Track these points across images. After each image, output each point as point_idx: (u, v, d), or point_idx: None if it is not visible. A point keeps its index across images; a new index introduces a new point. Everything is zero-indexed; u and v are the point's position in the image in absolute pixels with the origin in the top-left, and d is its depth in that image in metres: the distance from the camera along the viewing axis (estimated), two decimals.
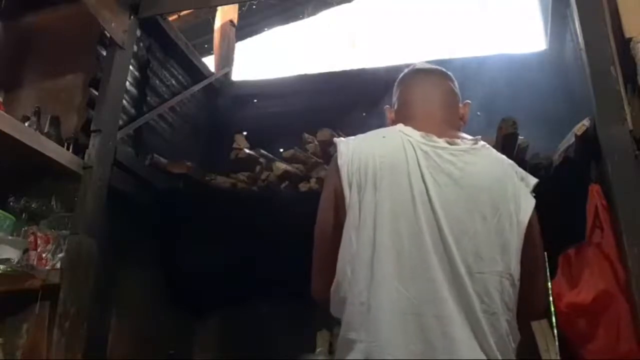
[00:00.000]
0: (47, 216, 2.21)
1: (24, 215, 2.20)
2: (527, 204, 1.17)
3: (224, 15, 4.06)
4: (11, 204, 2.21)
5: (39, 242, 2.09)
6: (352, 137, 1.27)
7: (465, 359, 1.02)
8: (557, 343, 2.39)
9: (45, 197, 2.24)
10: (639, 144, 1.70)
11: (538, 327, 2.43)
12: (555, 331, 2.40)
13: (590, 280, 1.76)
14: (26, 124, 2.14)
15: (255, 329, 2.94)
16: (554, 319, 2.40)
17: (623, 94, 1.76)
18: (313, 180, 2.39)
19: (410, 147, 1.16)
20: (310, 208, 1.32)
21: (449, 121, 1.30)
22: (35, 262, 2.04)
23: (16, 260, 2.00)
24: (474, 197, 1.12)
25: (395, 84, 1.42)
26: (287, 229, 2.29)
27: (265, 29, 4.94)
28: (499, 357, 1.05)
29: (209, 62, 3.80)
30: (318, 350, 2.75)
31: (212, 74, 3.59)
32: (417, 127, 1.21)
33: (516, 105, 2.49)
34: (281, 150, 2.64)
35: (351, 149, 1.20)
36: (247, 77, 3.98)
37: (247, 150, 2.55)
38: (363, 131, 1.30)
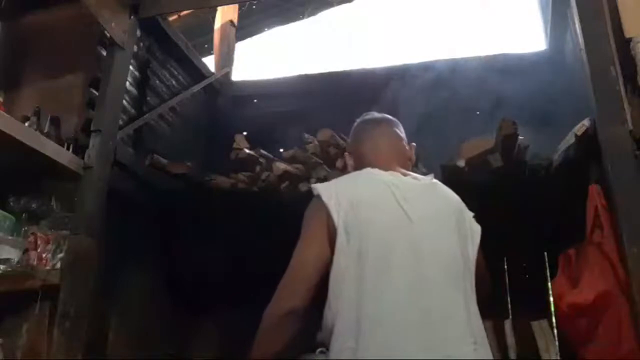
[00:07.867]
0: (47, 216, 2.21)
1: (24, 215, 2.20)
2: (477, 229, 1.42)
3: (224, 15, 4.06)
4: (11, 204, 2.20)
5: (39, 242, 2.09)
6: (327, 182, 1.46)
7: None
8: (557, 343, 2.39)
9: (45, 197, 2.23)
10: (639, 144, 1.70)
11: (538, 327, 2.43)
12: (555, 331, 2.40)
13: (591, 280, 1.76)
14: (26, 124, 2.14)
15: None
16: (554, 319, 2.40)
17: (623, 94, 1.76)
18: (313, 181, 2.38)
19: (382, 184, 1.36)
20: None
21: (400, 162, 1.51)
22: (35, 262, 2.04)
23: (16, 260, 2.00)
24: (441, 214, 1.36)
25: (350, 134, 1.63)
26: (287, 229, 2.29)
27: (265, 29, 4.94)
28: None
29: (209, 62, 3.80)
30: (318, 350, 2.74)
31: (212, 74, 3.59)
32: (381, 169, 1.42)
33: (516, 105, 2.49)
34: (281, 150, 2.64)
35: (333, 190, 1.36)
36: (247, 77, 3.98)
37: (247, 150, 2.55)
38: None
